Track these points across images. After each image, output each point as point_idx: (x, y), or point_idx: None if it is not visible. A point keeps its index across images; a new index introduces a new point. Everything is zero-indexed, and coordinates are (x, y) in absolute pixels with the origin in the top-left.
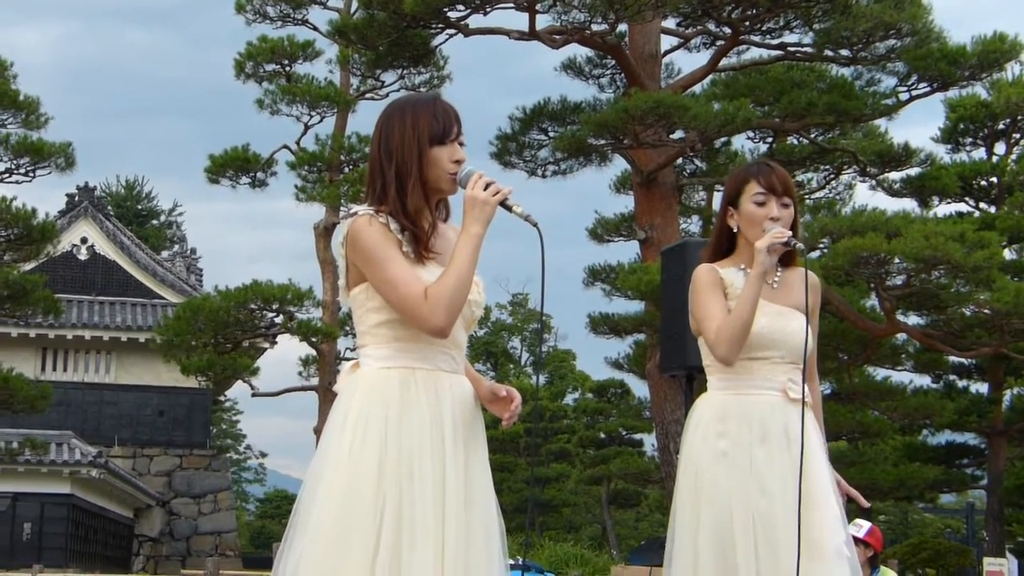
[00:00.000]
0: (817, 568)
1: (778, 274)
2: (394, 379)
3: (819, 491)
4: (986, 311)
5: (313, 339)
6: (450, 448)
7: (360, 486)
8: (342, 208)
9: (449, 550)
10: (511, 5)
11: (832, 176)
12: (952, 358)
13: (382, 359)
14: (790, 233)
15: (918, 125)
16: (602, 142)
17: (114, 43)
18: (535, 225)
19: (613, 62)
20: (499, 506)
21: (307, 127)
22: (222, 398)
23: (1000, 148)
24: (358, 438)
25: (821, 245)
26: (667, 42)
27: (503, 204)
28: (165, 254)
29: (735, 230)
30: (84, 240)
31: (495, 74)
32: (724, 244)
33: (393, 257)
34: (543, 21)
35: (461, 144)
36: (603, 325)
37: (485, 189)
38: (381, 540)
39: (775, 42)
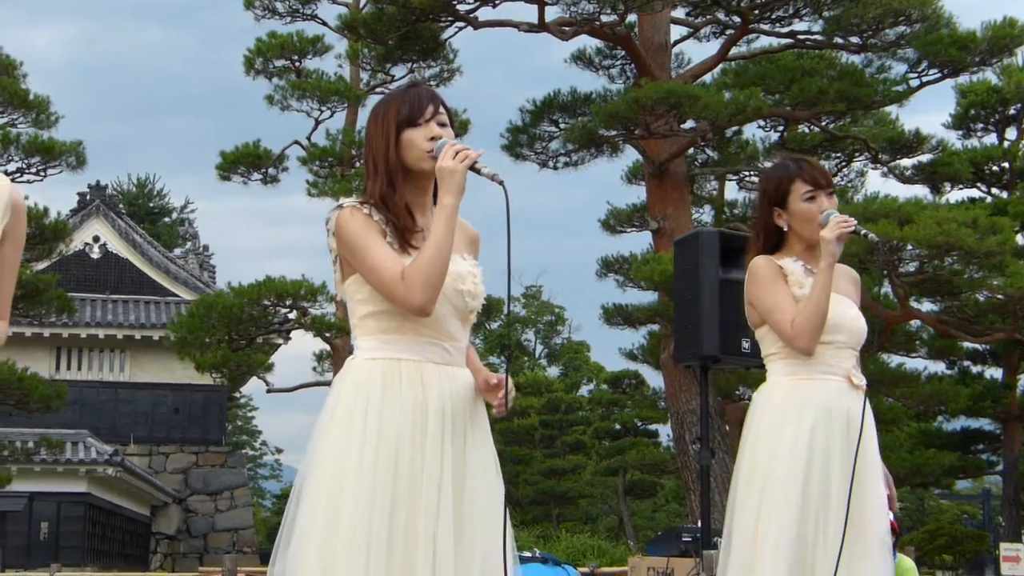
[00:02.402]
0: (861, 554)
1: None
2: (377, 370)
3: (870, 478)
4: (999, 296)
5: (327, 334)
6: (434, 439)
7: (344, 481)
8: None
9: (425, 542)
10: None
11: (844, 164)
12: (966, 344)
13: (368, 350)
14: (855, 221)
15: (929, 111)
16: (613, 133)
17: (127, 41)
18: (501, 183)
19: (623, 53)
20: (507, 495)
21: (318, 122)
22: (237, 395)
23: (1011, 133)
24: (343, 432)
25: None
26: (677, 32)
27: (472, 168)
28: (178, 251)
29: (785, 228)
30: (96, 239)
31: (513, 66)
32: (772, 241)
33: (374, 245)
34: (552, 13)
35: (442, 124)
36: (617, 316)
37: (455, 158)
38: (360, 533)
39: (785, 30)
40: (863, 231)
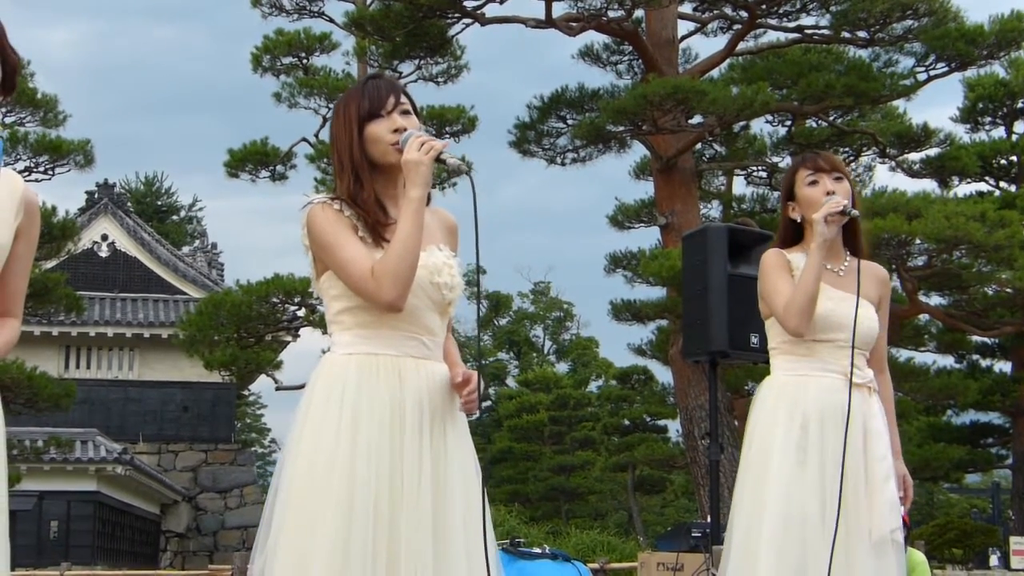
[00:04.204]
0: (860, 553)
1: (845, 263)
2: (352, 365)
3: (876, 476)
4: (1008, 290)
5: None
6: (412, 434)
7: (317, 478)
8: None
9: (404, 537)
10: None
11: (851, 158)
12: (975, 338)
13: (344, 346)
14: (846, 201)
15: (937, 105)
16: (620, 128)
17: (140, 40)
18: (467, 173)
19: (630, 48)
20: (515, 492)
21: (325, 119)
22: (246, 392)
23: (1020, 127)
24: (317, 428)
25: None
26: (684, 27)
27: (438, 159)
28: (186, 249)
29: (799, 220)
30: (105, 237)
31: (524, 64)
32: (790, 236)
33: (344, 241)
34: (559, 9)
35: (405, 113)
36: (625, 312)
37: (419, 150)
38: (340, 531)
39: (792, 25)
40: (851, 210)
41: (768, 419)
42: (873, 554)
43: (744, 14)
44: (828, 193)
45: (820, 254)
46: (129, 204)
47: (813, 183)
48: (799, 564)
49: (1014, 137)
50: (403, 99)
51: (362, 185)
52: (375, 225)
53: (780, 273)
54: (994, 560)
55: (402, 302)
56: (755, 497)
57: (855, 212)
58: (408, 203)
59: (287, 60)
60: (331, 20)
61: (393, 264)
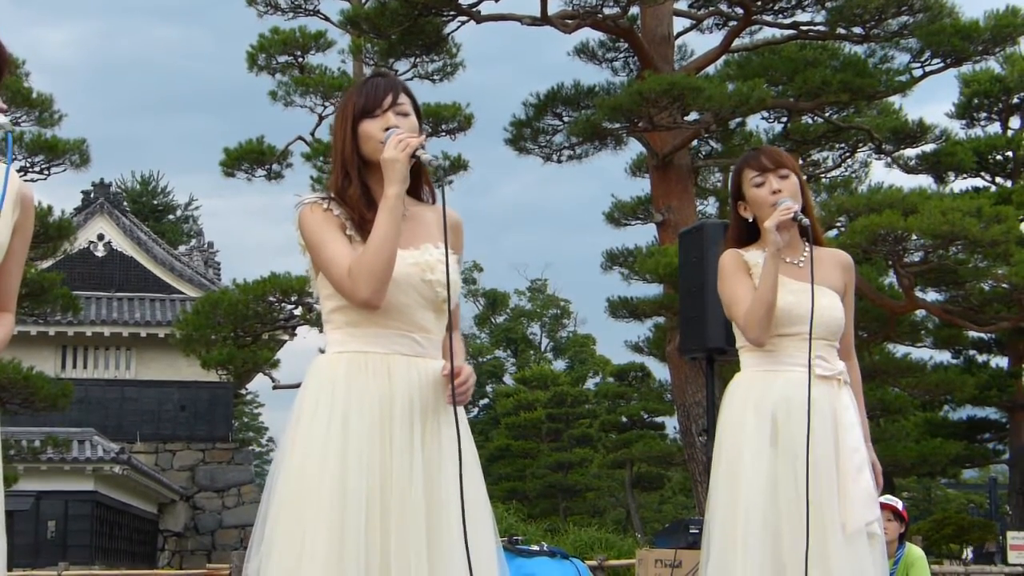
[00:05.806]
0: (834, 545)
1: (804, 253)
2: (342, 363)
3: (848, 467)
4: (1004, 285)
5: None
6: (402, 432)
7: (310, 479)
8: None
9: (395, 525)
10: None
11: (847, 154)
12: (972, 333)
13: (336, 344)
14: (797, 207)
15: (932, 101)
16: (617, 125)
17: (141, 39)
18: (437, 170)
19: (626, 45)
20: (513, 489)
21: (321, 118)
22: (243, 391)
23: (1015, 122)
24: (308, 426)
25: (839, 223)
26: (679, 24)
27: (413, 156)
28: (182, 249)
29: (751, 220)
30: (101, 237)
31: (523, 62)
32: (743, 235)
33: (329, 240)
34: (555, 6)
35: (403, 114)
36: (622, 309)
37: (396, 147)
38: (334, 531)
39: (787, 21)
40: (800, 217)
41: (737, 416)
42: (847, 546)
43: (740, 11)
44: (775, 192)
45: (775, 263)
46: (125, 203)
47: (759, 184)
48: (777, 559)
49: (1010, 132)
50: (402, 99)
51: (350, 181)
52: (361, 222)
53: (739, 277)
54: (967, 554)
55: (378, 299)
56: (730, 495)
57: (805, 220)
58: (384, 201)
59: (283, 59)
60: (326, 18)
61: (368, 262)
